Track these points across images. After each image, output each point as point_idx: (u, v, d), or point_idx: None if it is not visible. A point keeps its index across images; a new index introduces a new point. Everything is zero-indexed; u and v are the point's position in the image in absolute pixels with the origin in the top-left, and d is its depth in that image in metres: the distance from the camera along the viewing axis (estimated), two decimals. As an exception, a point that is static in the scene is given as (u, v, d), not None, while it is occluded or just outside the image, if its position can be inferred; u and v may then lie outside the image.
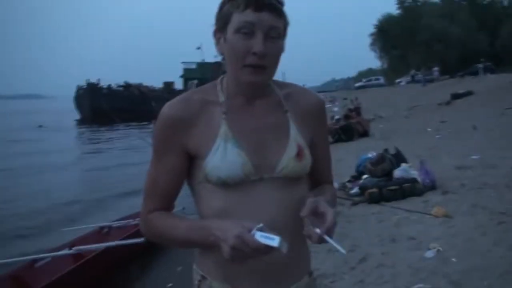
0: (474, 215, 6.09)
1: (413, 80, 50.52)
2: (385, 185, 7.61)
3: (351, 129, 16.08)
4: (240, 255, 1.36)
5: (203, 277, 1.58)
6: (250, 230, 1.37)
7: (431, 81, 42.85)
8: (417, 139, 13.45)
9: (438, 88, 33.20)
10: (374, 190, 7.53)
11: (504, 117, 15.59)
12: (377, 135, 15.89)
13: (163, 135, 1.55)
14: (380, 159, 8.32)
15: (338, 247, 1.40)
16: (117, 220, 7.79)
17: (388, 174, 7.93)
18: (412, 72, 55.58)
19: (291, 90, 1.65)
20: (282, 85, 1.65)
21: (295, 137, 1.57)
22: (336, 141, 15.97)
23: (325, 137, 1.77)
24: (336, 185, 8.84)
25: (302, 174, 1.59)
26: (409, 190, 7.47)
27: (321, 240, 1.40)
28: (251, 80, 1.51)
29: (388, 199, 7.34)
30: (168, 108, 1.55)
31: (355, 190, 8.06)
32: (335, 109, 27.58)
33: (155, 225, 1.55)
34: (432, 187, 7.65)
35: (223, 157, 1.50)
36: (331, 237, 1.40)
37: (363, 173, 8.37)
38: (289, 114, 1.60)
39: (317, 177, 1.71)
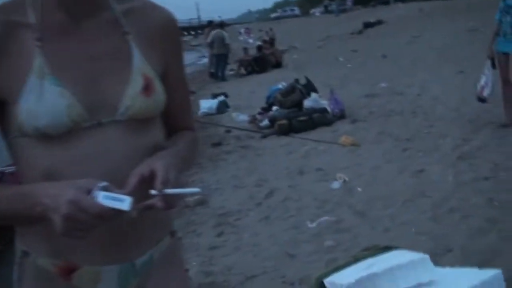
0: (381, 143, 6.07)
1: (327, 11, 50.74)
2: (295, 116, 7.46)
3: (264, 61, 15.81)
4: (78, 226, 1.03)
5: (25, 253, 1.22)
6: (89, 192, 1.02)
7: (344, 11, 43.14)
8: (329, 69, 13.42)
9: (351, 18, 33.41)
10: (284, 121, 7.36)
11: (413, 45, 15.85)
12: (291, 66, 15.73)
13: None
14: (290, 89, 8.13)
15: (188, 190, 1.09)
16: None
17: (298, 104, 7.76)
18: (326, 2, 55.69)
19: (132, 5, 1.25)
20: None
21: (141, 67, 1.20)
22: (249, 73, 15.68)
23: (181, 67, 1.36)
24: (246, 117, 8.73)
25: (154, 114, 1.22)
26: (319, 120, 7.37)
27: (169, 201, 1.09)
28: None
29: (298, 130, 7.21)
30: None
31: (265, 122, 7.86)
32: (250, 41, 27.08)
33: None
34: (341, 116, 7.59)
35: (38, 99, 1.10)
36: (176, 188, 1.08)
37: (273, 105, 8.16)
38: (130, 36, 1.22)
39: (172, 121, 1.35)
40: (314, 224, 4.03)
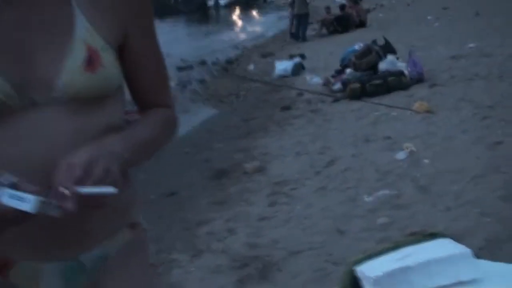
0: (459, 110, 5.58)
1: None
2: (368, 79, 7.05)
3: (347, 20, 15.17)
4: None
5: None
6: None
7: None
8: (415, 29, 12.62)
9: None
10: (356, 85, 6.98)
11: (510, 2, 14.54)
12: (375, 25, 14.98)
13: None
14: (366, 51, 7.68)
15: (103, 190, 0.90)
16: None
17: (373, 67, 7.32)
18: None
19: None
20: None
21: (84, 36, 0.99)
22: (331, 33, 15.13)
23: (150, 35, 1.14)
24: (319, 80, 8.40)
25: (103, 93, 1.04)
26: (394, 84, 6.91)
27: (86, 201, 0.90)
28: None
29: (371, 95, 6.80)
30: None
31: (338, 85, 7.51)
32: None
33: None
34: (419, 80, 7.08)
35: None
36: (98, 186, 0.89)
37: (348, 67, 7.77)
38: (75, 0, 1.03)
39: (143, 98, 1.16)
40: (371, 198, 3.76)
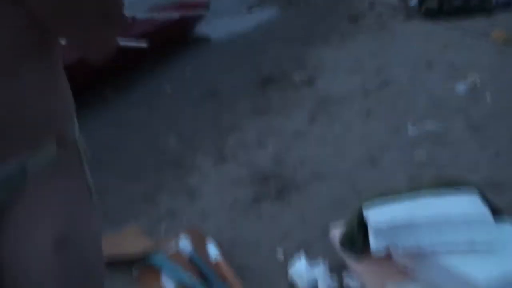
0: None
1: None
2: (448, -2, 6.41)
3: None
4: None
5: None
6: None
7: None
8: None
9: None
10: (434, 3, 6.36)
11: None
12: None
13: None
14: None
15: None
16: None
17: (457, -15, 6.63)
18: None
19: None
20: None
21: None
22: None
23: None
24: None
25: None
26: (476, 6, 6.25)
27: None
28: None
29: (448, 15, 6.20)
30: None
31: (415, 1, 6.89)
32: None
33: None
34: (507, 3, 6.36)
35: None
36: None
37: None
38: None
39: None
40: (415, 130, 3.46)
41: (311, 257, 2.29)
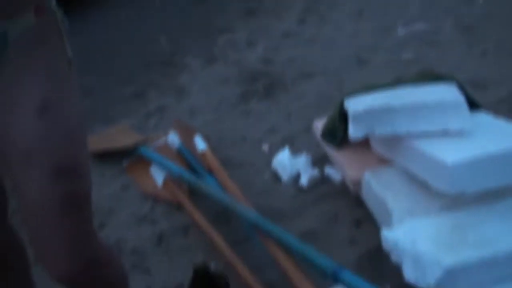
0: None
1: None
2: None
3: None
4: None
5: None
6: None
7: None
8: None
9: None
10: None
11: None
12: None
13: None
14: None
15: None
16: None
17: None
18: None
19: None
20: None
21: None
22: None
23: None
24: None
25: None
26: None
27: None
28: None
29: None
30: None
31: None
32: None
33: None
34: None
35: None
36: None
37: None
38: None
39: None
40: (404, 30, 3.45)
41: (295, 150, 2.36)
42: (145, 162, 2.38)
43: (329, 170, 2.21)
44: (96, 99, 3.13)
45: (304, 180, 2.18)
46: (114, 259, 1.19)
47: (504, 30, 3.33)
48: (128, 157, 2.45)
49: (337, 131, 2.07)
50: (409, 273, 1.53)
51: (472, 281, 1.45)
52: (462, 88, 1.93)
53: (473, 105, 1.98)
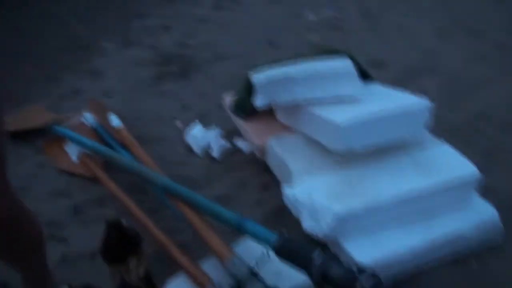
0: None
1: None
2: None
3: None
4: None
5: None
6: None
7: None
8: None
9: None
10: None
11: None
12: None
13: None
14: None
15: None
16: None
17: None
18: None
19: None
20: None
21: None
22: None
23: None
24: None
25: None
26: None
27: None
28: None
29: None
30: None
31: None
32: None
33: None
34: None
35: None
36: None
37: None
38: None
39: None
40: (313, 16, 3.66)
41: (207, 125, 2.49)
42: (60, 140, 2.41)
43: (238, 142, 2.35)
44: (9, 82, 3.09)
45: (215, 152, 2.31)
46: (33, 215, 1.26)
47: (402, 17, 3.61)
48: (44, 136, 2.48)
49: (245, 104, 2.21)
50: (306, 224, 1.70)
51: (360, 226, 1.64)
52: (355, 61, 2.13)
53: (367, 77, 2.19)
